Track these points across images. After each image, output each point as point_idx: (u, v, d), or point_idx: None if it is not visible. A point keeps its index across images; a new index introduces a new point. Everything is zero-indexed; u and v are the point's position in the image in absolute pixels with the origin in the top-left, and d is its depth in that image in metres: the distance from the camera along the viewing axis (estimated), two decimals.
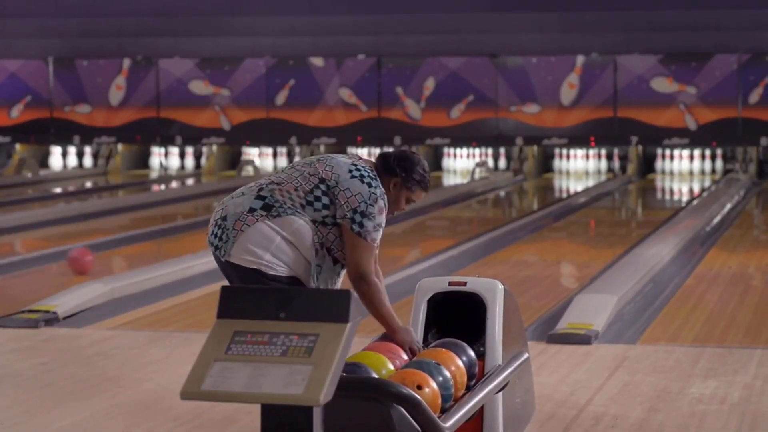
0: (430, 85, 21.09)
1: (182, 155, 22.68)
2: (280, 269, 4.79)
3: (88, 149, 22.91)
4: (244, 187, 4.98)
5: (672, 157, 21.05)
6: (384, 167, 4.98)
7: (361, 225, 4.80)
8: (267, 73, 21.57)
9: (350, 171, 4.87)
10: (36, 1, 22.71)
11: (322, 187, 4.85)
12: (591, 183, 20.08)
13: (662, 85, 20.33)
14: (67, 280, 9.90)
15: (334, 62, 21.33)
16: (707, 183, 19.79)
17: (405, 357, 4.80)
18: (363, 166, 4.91)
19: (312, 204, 4.83)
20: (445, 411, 4.51)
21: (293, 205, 4.82)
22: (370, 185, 4.85)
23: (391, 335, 4.94)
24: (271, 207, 4.82)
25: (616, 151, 21.15)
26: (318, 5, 21.81)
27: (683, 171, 20.93)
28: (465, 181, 20.40)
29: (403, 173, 4.98)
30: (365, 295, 4.82)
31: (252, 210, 4.83)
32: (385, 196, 4.91)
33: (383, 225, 4.90)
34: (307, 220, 4.82)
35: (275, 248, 4.78)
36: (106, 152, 22.68)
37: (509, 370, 5.09)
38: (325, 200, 4.84)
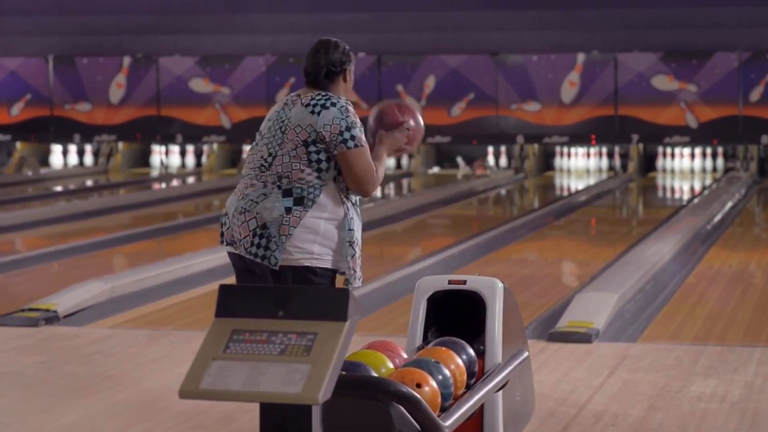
0: (430, 83, 21.08)
1: (183, 153, 22.66)
2: (327, 258, 4.85)
3: (88, 147, 22.90)
4: (251, 190, 4.89)
5: (673, 155, 21.04)
6: (327, 76, 4.99)
7: (352, 137, 4.87)
8: (267, 71, 21.57)
9: (311, 111, 4.89)
10: None
11: (311, 148, 4.87)
12: (592, 181, 20.07)
13: (663, 83, 20.32)
14: (67, 278, 9.89)
15: None
16: (708, 181, 19.78)
17: (404, 356, 4.80)
18: (312, 97, 4.94)
19: (320, 169, 4.85)
20: (444, 410, 4.50)
21: (312, 184, 4.85)
22: (333, 104, 4.90)
23: (381, 148, 5.06)
24: (302, 198, 4.84)
25: (616, 149, 21.13)
26: (318, 3, 21.80)
27: (684, 169, 20.92)
28: (464, 177, 20.38)
29: (342, 64, 5.00)
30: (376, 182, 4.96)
31: (288, 210, 4.83)
32: (349, 103, 4.97)
33: (360, 122, 4.96)
34: (330, 186, 4.87)
35: (321, 238, 4.83)
36: (106, 150, 22.67)
37: (509, 368, 5.08)
38: (323, 155, 4.86)
